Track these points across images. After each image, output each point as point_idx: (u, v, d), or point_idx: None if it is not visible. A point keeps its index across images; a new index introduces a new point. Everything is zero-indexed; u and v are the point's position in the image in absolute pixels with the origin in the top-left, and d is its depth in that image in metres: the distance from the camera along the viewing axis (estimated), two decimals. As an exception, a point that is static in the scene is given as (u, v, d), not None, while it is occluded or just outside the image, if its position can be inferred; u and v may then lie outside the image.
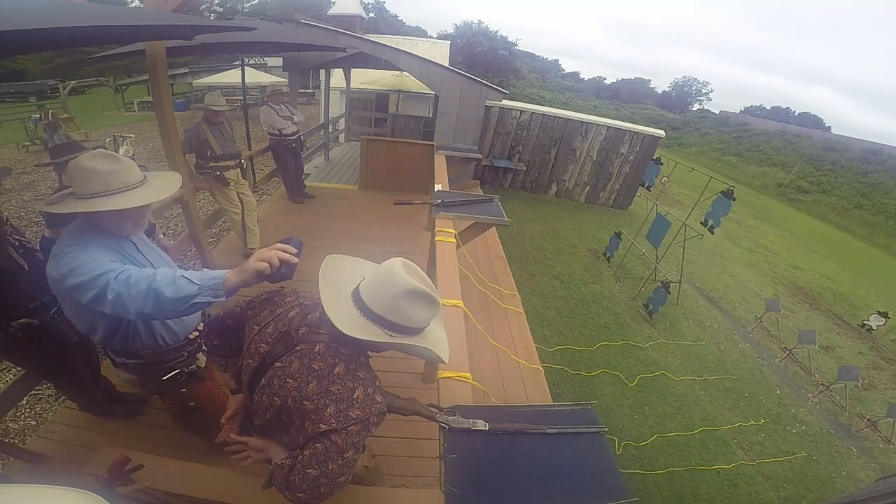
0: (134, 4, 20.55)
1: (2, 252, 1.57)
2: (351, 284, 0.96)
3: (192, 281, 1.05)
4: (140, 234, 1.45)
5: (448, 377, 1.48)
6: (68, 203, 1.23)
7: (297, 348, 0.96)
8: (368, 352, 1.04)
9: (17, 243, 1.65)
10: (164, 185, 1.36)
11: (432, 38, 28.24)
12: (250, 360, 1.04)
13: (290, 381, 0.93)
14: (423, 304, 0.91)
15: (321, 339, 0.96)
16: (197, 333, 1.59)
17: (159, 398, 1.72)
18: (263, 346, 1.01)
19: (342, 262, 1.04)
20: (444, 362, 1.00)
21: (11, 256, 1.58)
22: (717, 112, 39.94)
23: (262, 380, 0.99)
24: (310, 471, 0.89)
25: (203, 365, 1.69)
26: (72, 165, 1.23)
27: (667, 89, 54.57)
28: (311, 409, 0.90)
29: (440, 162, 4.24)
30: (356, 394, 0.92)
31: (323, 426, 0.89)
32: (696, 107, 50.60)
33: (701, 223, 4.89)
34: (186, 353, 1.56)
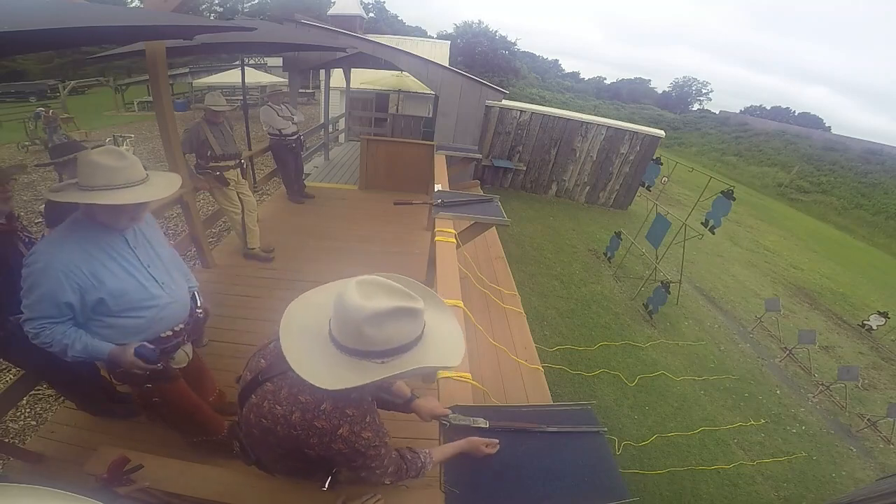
0: (134, 4, 20.54)
1: (14, 248, 1.59)
2: (324, 324, 0.86)
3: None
4: (140, 227, 1.48)
5: (448, 377, 1.48)
6: (71, 192, 1.29)
7: (289, 374, 0.89)
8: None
9: (27, 239, 1.68)
10: (164, 185, 1.41)
11: (432, 38, 28.26)
12: (248, 373, 1.02)
13: (279, 407, 0.90)
14: (396, 321, 0.80)
15: None
16: (171, 333, 1.58)
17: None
18: (262, 361, 0.99)
19: (306, 304, 0.93)
20: (457, 364, 0.89)
21: (22, 253, 1.59)
22: (717, 112, 39.99)
23: (253, 397, 0.97)
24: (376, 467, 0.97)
25: (183, 364, 1.68)
26: (81, 158, 1.30)
27: (667, 89, 54.71)
28: (301, 437, 0.90)
29: (440, 162, 4.24)
30: (341, 431, 0.88)
31: (309, 452, 0.92)
32: (696, 107, 50.71)
33: (701, 223, 4.89)
34: (159, 351, 1.54)
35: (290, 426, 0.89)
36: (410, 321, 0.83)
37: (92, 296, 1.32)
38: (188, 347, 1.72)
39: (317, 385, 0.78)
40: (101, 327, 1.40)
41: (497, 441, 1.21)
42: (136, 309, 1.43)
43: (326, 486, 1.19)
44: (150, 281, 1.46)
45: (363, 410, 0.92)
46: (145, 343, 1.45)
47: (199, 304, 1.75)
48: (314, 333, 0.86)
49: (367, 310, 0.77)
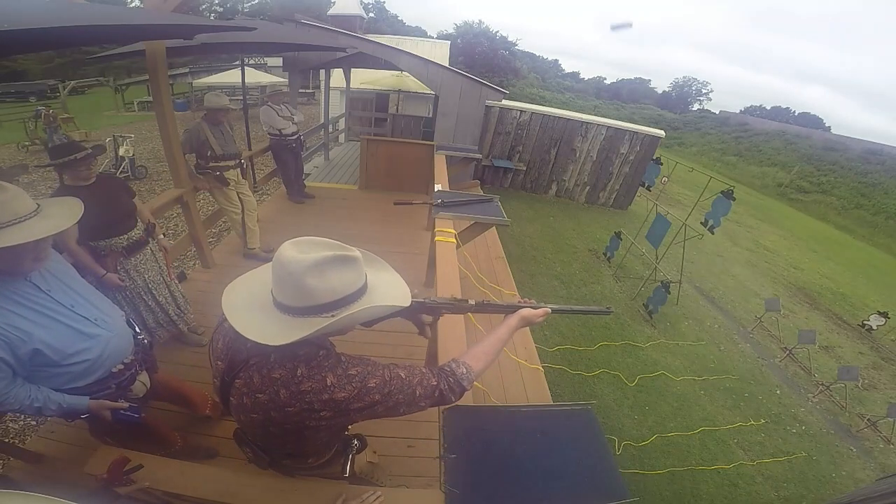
0: (134, 4, 20.55)
1: None
2: (267, 295, 0.86)
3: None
4: (46, 266, 1.30)
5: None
6: None
7: (252, 362, 0.88)
8: (330, 339, 0.97)
9: None
10: (63, 214, 1.24)
11: (432, 38, 28.30)
12: (215, 380, 0.99)
13: (261, 395, 0.87)
14: (337, 270, 0.81)
15: (271, 348, 0.84)
16: (123, 366, 1.49)
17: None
18: (220, 363, 0.96)
19: (246, 283, 0.93)
20: (406, 305, 0.92)
21: None
22: (717, 112, 40.02)
23: (232, 399, 0.94)
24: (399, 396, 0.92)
25: (141, 394, 1.60)
26: None
27: (667, 89, 54.77)
28: (302, 409, 0.86)
29: (440, 162, 4.25)
30: (328, 381, 0.86)
31: (323, 413, 0.86)
32: (696, 107, 50.78)
33: (701, 223, 4.88)
34: (115, 385, 1.48)
35: (282, 406, 0.86)
36: (351, 270, 0.83)
37: (23, 349, 1.18)
38: (144, 377, 1.63)
39: (269, 343, 0.78)
40: (49, 377, 1.29)
41: (548, 308, 1.16)
42: (79, 353, 1.31)
43: (347, 472, 1.20)
44: (80, 322, 1.33)
45: (336, 355, 0.92)
46: (121, 411, 1.43)
47: (137, 330, 1.62)
48: (258, 307, 0.85)
49: (307, 260, 0.78)
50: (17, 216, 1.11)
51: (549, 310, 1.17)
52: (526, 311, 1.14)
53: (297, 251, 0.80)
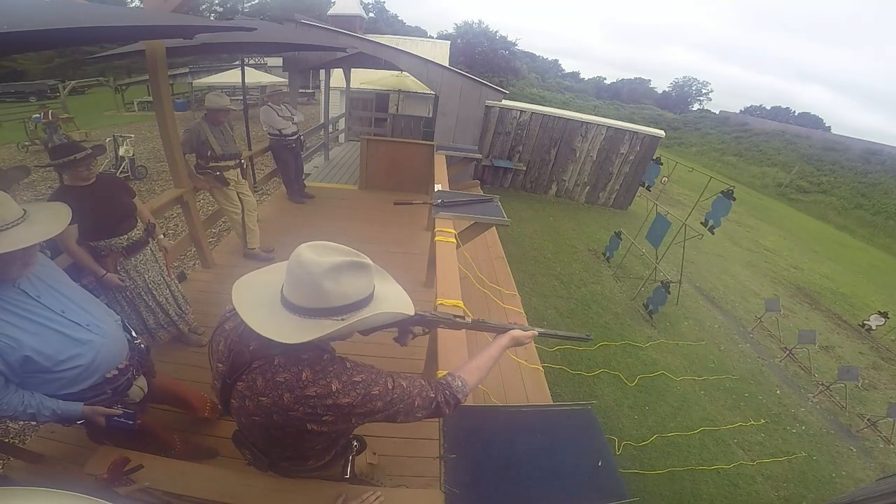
0: (134, 4, 20.57)
1: None
2: (275, 294, 0.88)
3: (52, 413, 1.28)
4: (35, 272, 1.29)
5: (448, 377, 1.47)
6: None
7: (255, 365, 0.88)
8: (332, 344, 0.98)
9: None
10: (50, 219, 1.23)
11: (432, 38, 28.32)
12: (216, 382, 0.99)
13: (264, 398, 0.87)
14: (351, 275, 0.84)
15: (276, 351, 0.87)
16: (117, 371, 1.47)
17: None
18: (220, 365, 0.96)
19: (252, 282, 0.94)
20: (411, 314, 0.96)
21: None
22: (717, 112, 39.99)
23: (233, 402, 0.94)
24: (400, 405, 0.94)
25: (138, 398, 1.59)
26: None
27: (667, 89, 54.78)
28: (306, 413, 0.87)
29: (440, 162, 4.25)
30: (334, 387, 0.87)
31: (326, 417, 0.87)
32: (696, 107, 50.79)
33: (701, 223, 4.89)
34: (110, 391, 1.47)
35: (286, 410, 0.86)
36: (363, 276, 0.87)
37: (14, 356, 1.17)
38: (141, 381, 1.61)
39: (287, 341, 0.79)
40: (42, 383, 1.28)
41: (536, 331, 1.21)
42: (71, 359, 1.29)
43: (347, 473, 1.21)
44: (71, 327, 1.30)
45: (340, 360, 0.93)
46: (115, 417, 1.42)
47: (133, 335, 1.60)
48: (264, 305, 0.87)
49: (325, 264, 0.80)
50: (4, 223, 1.10)
51: (536, 332, 1.21)
52: (516, 332, 1.18)
53: (315, 254, 0.82)
